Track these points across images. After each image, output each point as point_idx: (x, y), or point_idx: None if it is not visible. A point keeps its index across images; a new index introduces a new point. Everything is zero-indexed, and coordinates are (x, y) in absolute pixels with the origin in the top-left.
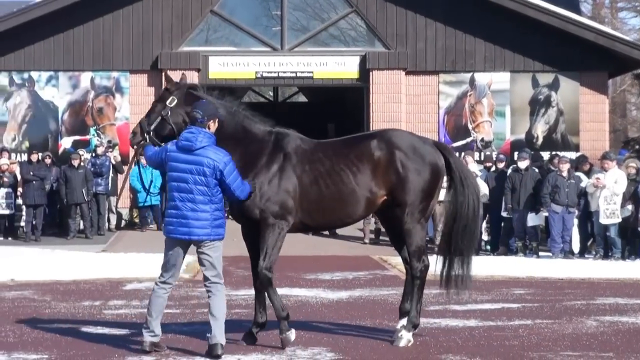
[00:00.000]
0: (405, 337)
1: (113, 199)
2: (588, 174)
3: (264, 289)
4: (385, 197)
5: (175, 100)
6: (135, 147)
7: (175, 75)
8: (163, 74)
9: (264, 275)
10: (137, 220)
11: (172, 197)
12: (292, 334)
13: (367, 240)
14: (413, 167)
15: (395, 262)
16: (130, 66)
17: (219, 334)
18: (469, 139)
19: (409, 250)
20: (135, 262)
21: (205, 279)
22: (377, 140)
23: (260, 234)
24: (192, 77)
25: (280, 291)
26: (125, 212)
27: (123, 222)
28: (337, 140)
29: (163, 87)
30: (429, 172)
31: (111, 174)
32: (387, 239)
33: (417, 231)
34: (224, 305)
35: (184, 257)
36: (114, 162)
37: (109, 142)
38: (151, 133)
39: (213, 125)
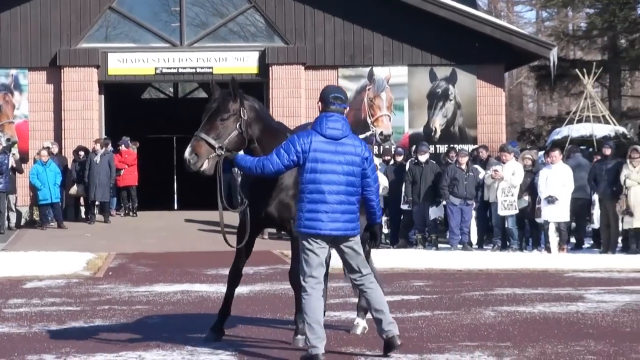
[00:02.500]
0: (362, 325)
1: (12, 197)
2: (485, 164)
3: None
4: None
5: (245, 112)
6: (201, 169)
7: (75, 73)
8: (232, 81)
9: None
10: (37, 219)
11: (318, 190)
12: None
13: (266, 236)
14: None
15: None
16: (29, 63)
17: (392, 326)
18: (368, 133)
19: None
20: (35, 260)
21: (354, 273)
22: None
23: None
24: (91, 74)
25: (181, 287)
26: (25, 211)
27: (23, 221)
28: None
29: (219, 94)
30: None
31: (10, 172)
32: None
33: None
34: (383, 295)
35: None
36: (13, 162)
37: (8, 140)
38: (223, 149)
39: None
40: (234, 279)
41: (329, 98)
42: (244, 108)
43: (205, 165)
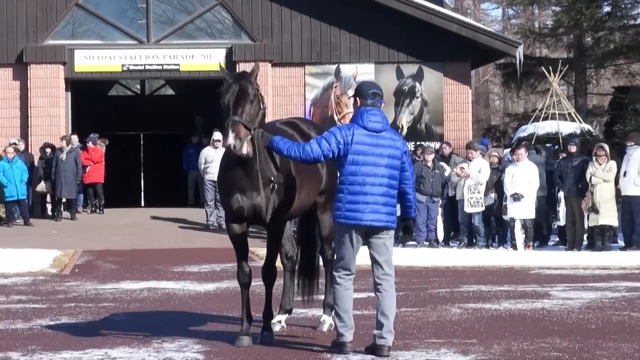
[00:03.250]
0: (328, 322)
1: None
2: (448, 160)
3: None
4: None
5: (260, 94)
6: (244, 153)
7: (42, 70)
8: (255, 66)
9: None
10: (3, 216)
11: (359, 182)
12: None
13: None
14: None
15: (262, 254)
16: None
17: (389, 335)
18: None
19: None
20: (1, 257)
21: (379, 270)
22: None
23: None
24: (58, 71)
25: (148, 284)
26: None
27: None
28: None
29: (235, 76)
30: None
31: None
32: (255, 230)
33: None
34: (395, 301)
35: None
36: None
37: None
38: (255, 130)
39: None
40: (247, 280)
41: (367, 93)
42: (259, 90)
43: (249, 149)
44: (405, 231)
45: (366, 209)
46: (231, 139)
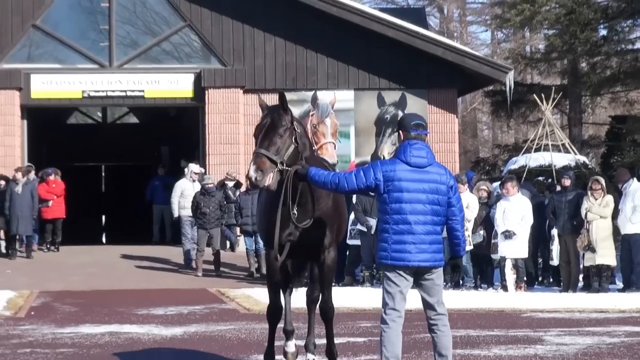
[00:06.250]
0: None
1: None
2: None
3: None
4: None
5: (297, 125)
6: (266, 184)
7: None
8: (281, 95)
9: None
10: None
11: (404, 220)
12: None
13: (199, 274)
14: None
15: (233, 295)
16: None
17: None
18: None
19: None
20: None
21: (431, 310)
22: None
23: (329, 265)
24: (13, 97)
25: (109, 328)
26: None
27: None
28: None
29: (269, 109)
30: None
31: None
32: (227, 270)
33: None
34: (451, 340)
35: None
36: None
37: None
38: (284, 165)
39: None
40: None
41: (410, 125)
42: (296, 122)
43: (270, 181)
44: (454, 270)
45: (413, 249)
46: (252, 171)
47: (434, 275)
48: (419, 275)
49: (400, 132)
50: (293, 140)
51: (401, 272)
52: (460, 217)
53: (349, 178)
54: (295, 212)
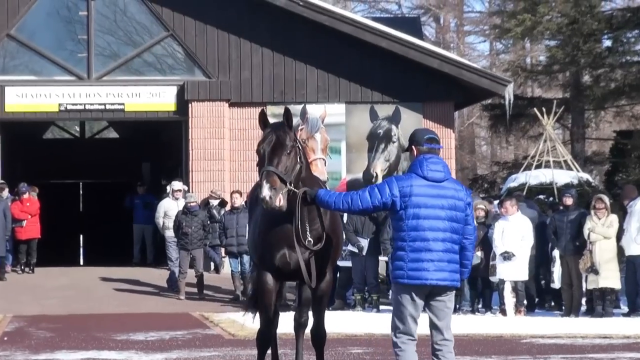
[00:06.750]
0: None
1: None
2: None
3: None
4: None
5: (298, 144)
6: (279, 205)
7: None
8: (286, 111)
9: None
10: None
11: (422, 237)
12: None
13: (182, 297)
14: None
15: (217, 320)
16: None
17: None
18: None
19: None
20: None
21: (438, 335)
22: None
23: (324, 289)
24: None
25: (87, 354)
26: None
27: None
28: None
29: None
30: None
31: None
32: (211, 293)
33: None
34: None
35: None
36: None
37: None
38: (292, 184)
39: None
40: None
41: (423, 139)
42: (298, 140)
43: (283, 201)
44: (456, 292)
45: (431, 266)
46: (266, 190)
47: (447, 297)
48: (431, 296)
49: (413, 147)
50: (299, 160)
51: (415, 294)
52: (473, 237)
53: (362, 196)
54: (309, 236)
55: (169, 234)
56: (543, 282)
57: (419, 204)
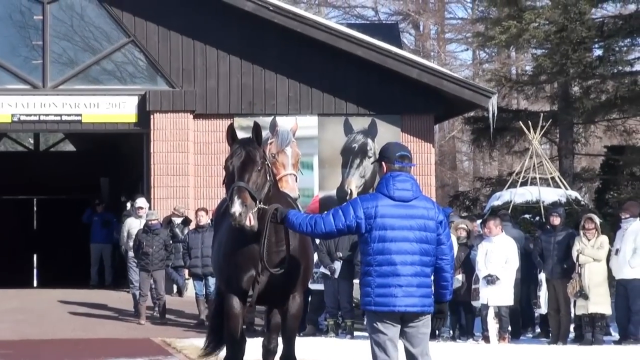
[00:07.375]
0: None
1: None
2: None
3: None
4: None
5: (267, 161)
6: (251, 224)
7: None
8: (256, 126)
9: None
10: None
11: (389, 261)
12: None
13: (142, 321)
14: None
15: (180, 346)
16: None
17: None
18: None
19: None
20: None
21: None
22: None
23: (294, 314)
24: None
25: None
26: None
27: None
28: None
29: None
30: None
31: None
32: (174, 317)
33: None
34: None
35: None
36: None
37: None
38: (261, 203)
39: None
40: None
41: (394, 156)
42: (266, 157)
43: (254, 221)
44: (438, 316)
45: (399, 292)
46: (237, 206)
47: (420, 322)
48: (404, 322)
49: (383, 163)
50: (268, 178)
51: (387, 320)
52: (450, 257)
53: (326, 219)
54: (267, 256)
55: (131, 254)
56: (530, 306)
57: (385, 225)
